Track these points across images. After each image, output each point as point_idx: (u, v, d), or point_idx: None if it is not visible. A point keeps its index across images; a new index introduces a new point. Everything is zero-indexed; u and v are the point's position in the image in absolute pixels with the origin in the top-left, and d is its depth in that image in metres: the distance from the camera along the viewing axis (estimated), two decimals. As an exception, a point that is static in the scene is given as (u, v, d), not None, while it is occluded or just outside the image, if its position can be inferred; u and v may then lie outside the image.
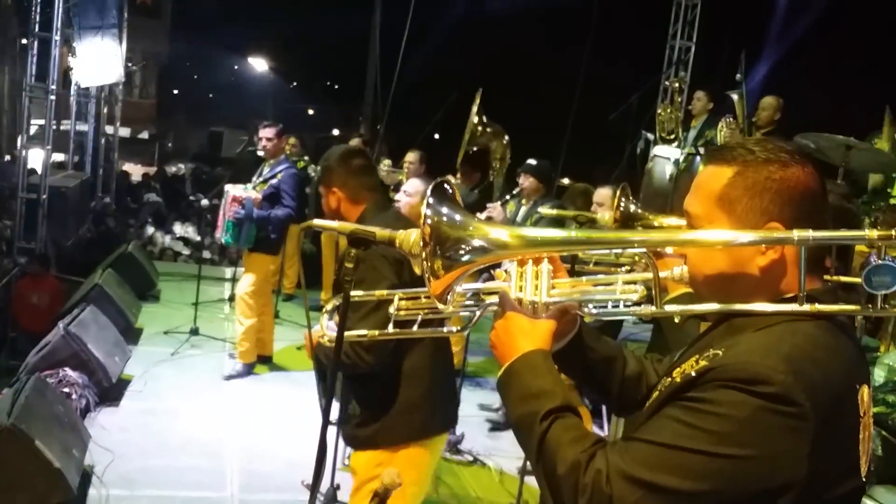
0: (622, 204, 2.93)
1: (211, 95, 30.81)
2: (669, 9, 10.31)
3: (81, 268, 7.81)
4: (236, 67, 29.70)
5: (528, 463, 1.55)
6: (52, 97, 8.02)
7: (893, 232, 1.24)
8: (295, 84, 30.45)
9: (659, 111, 8.41)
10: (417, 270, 1.69)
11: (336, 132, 21.97)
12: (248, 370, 6.05)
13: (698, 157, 7.50)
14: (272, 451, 4.77)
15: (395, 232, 1.84)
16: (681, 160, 7.85)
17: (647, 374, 1.66)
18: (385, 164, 8.12)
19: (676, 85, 8.90)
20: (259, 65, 25.43)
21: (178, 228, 10.56)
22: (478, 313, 1.61)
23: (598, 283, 1.55)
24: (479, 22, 19.56)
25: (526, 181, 5.60)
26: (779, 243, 1.30)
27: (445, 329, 1.82)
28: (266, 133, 6.16)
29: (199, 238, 9.93)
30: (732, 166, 1.35)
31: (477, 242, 1.47)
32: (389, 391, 2.78)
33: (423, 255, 1.48)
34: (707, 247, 1.36)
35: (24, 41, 9.57)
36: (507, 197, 5.81)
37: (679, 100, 8.85)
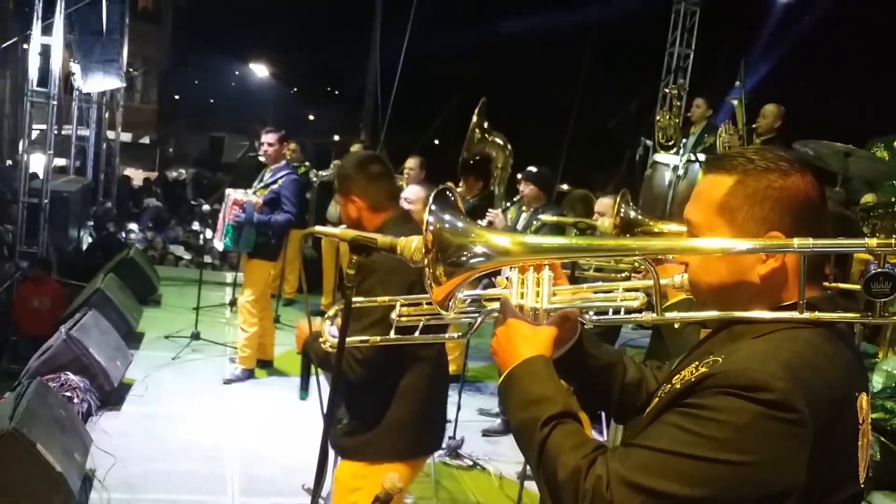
0: (622, 210, 2.94)
1: (212, 101, 30.84)
2: (668, 16, 10.37)
3: (83, 272, 7.82)
4: (237, 73, 29.69)
5: (529, 468, 1.56)
6: (54, 102, 8.03)
7: (893, 240, 1.25)
8: (295, 90, 30.48)
9: (658, 118, 8.43)
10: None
11: (336, 138, 21.98)
12: (249, 375, 6.08)
13: (697, 164, 7.51)
14: (272, 455, 4.78)
15: (397, 239, 1.83)
16: (680, 167, 7.86)
17: (647, 380, 1.67)
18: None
19: (675, 92, 8.91)
20: (260, 70, 25.42)
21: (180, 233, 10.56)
22: (479, 320, 1.61)
23: (599, 290, 1.56)
24: (479, 28, 19.61)
25: (526, 188, 5.61)
26: (779, 252, 1.31)
27: (447, 335, 1.82)
28: (267, 138, 6.18)
29: (200, 242, 9.93)
30: (733, 175, 1.36)
31: (479, 249, 1.48)
32: (382, 405, 2.70)
33: (426, 261, 1.48)
34: (708, 255, 1.36)
35: (25, 46, 9.58)
36: (508, 204, 5.82)
37: (678, 106, 8.87)
